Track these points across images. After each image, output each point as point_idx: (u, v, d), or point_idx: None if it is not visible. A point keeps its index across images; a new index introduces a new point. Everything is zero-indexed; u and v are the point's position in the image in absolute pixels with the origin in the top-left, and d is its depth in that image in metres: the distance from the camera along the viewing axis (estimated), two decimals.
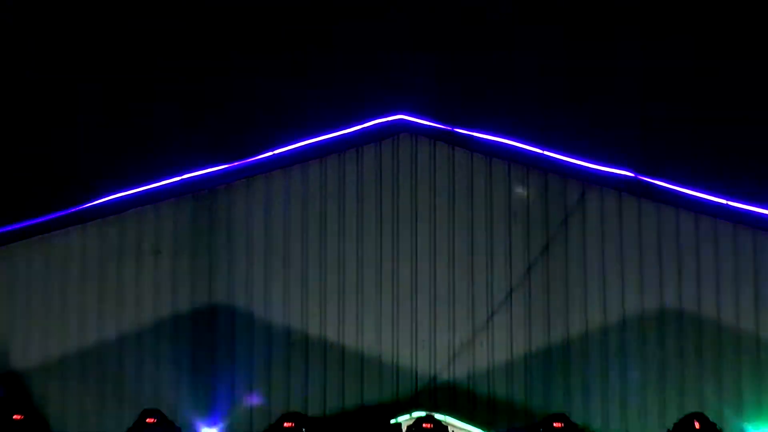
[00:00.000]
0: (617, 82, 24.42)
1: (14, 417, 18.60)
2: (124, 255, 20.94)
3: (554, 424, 18.36)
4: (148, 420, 18.67)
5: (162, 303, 20.80)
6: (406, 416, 19.25)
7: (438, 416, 19.05)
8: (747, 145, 23.38)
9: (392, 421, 19.50)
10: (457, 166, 21.21)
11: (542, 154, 21.08)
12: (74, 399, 20.47)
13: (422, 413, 18.97)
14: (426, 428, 18.54)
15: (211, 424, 19.57)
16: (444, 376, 20.47)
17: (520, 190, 20.49)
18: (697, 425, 18.30)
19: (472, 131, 21.30)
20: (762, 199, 21.33)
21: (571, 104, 23.81)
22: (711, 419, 18.37)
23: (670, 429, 18.59)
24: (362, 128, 21.29)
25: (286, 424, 18.58)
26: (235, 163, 21.03)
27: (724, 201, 20.84)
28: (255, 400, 20.33)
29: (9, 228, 21.24)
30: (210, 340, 20.58)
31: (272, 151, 21.10)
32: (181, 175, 21.11)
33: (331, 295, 20.71)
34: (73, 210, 21.07)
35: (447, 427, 18.88)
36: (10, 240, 21.09)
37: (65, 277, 20.92)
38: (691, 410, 18.70)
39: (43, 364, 20.63)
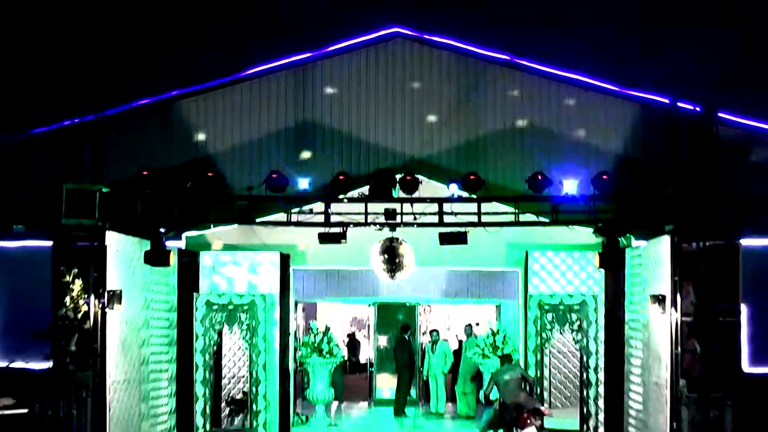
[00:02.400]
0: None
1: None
2: (260, 102, 29.50)
3: (470, 177, 25.59)
4: (273, 175, 25.56)
5: (280, 121, 29.64)
6: (400, 175, 25.84)
7: (416, 175, 25.85)
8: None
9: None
10: (425, 58, 29.85)
11: (465, 48, 29.50)
12: (236, 167, 29.48)
13: (406, 172, 25.94)
14: (408, 179, 25.48)
15: (304, 178, 26.32)
16: (417, 155, 29.53)
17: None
18: (539, 177, 25.50)
19: (432, 36, 29.22)
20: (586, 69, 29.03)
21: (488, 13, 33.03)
22: (546, 175, 25.29)
23: (526, 179, 25.68)
24: (377, 36, 29.55)
25: (340, 177, 25.59)
26: (315, 52, 29.62)
27: (556, 72, 29.26)
28: (324, 163, 28.62)
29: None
30: (303, 138, 29.64)
31: (331, 46, 29.56)
32: (288, 58, 29.49)
33: (363, 120, 29.63)
34: (238, 75, 29.67)
35: (419, 178, 25.58)
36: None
37: (228, 111, 30.01)
38: (536, 170, 25.83)
39: (225, 151, 29.56)
